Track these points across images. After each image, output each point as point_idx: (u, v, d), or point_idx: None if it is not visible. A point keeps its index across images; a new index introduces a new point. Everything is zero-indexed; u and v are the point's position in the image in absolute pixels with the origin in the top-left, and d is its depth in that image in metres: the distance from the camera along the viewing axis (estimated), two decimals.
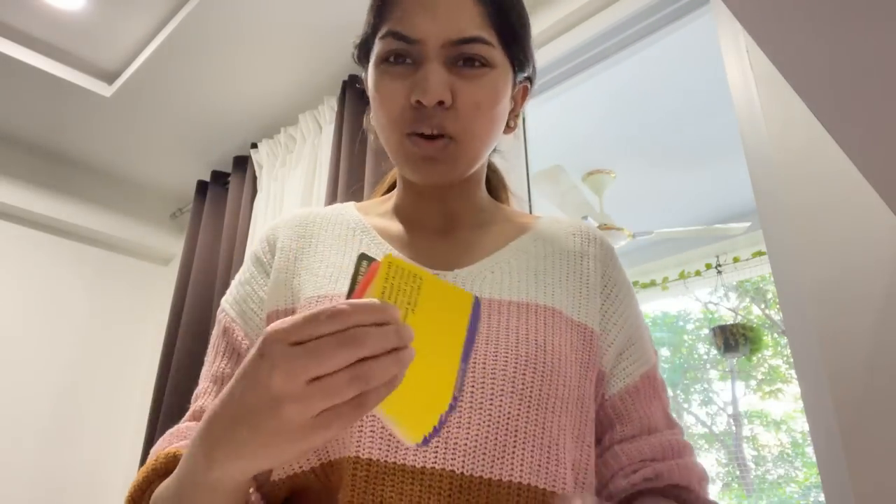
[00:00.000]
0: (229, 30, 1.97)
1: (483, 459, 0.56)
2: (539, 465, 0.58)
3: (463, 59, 0.65)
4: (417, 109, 0.64)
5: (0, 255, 2.51)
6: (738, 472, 4.49)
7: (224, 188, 2.61)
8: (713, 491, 4.50)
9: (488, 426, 0.57)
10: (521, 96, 0.76)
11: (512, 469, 0.57)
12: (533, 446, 0.58)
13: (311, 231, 0.76)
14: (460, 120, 0.65)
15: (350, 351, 0.39)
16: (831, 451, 1.00)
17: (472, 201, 0.76)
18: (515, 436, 0.58)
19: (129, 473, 2.49)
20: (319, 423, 0.40)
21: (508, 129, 0.75)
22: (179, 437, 0.65)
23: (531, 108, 1.84)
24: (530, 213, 1.00)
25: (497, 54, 0.67)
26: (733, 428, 4.75)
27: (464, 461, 0.56)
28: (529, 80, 0.76)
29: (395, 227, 0.75)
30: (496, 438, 0.57)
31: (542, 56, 1.72)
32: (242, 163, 2.54)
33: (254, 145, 2.46)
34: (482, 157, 0.71)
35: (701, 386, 5.04)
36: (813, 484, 4.15)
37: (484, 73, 0.66)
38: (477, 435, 0.57)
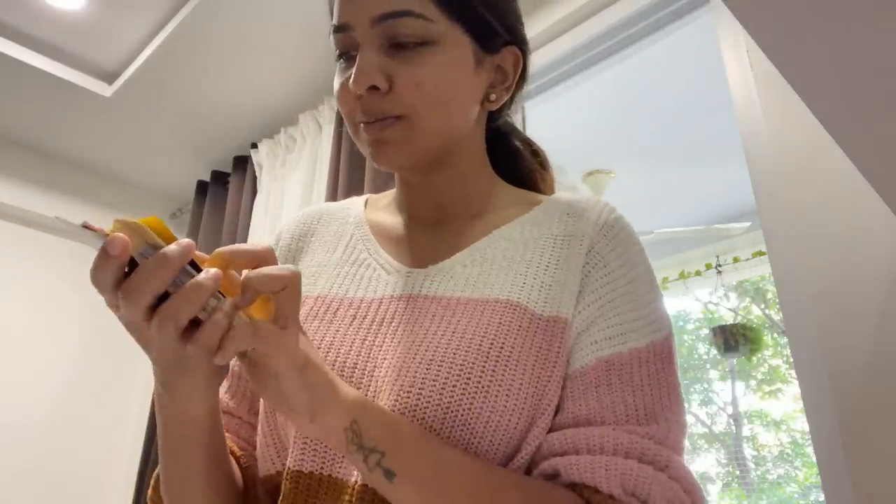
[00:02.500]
0: (229, 30, 1.97)
1: None
2: None
3: (396, 39, 0.61)
4: (360, 99, 0.63)
5: (0, 256, 2.51)
6: (738, 472, 4.49)
7: (224, 188, 2.61)
8: (713, 491, 4.50)
9: None
10: (511, 65, 0.69)
11: None
12: None
13: (313, 229, 0.77)
14: (402, 101, 0.61)
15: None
16: (831, 451, 0.99)
17: (463, 189, 0.71)
18: None
19: (129, 473, 2.48)
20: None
21: (490, 103, 0.69)
22: None
23: (531, 108, 1.84)
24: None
25: (437, 27, 0.62)
26: (733, 428, 4.75)
27: None
28: (514, 44, 0.69)
29: (393, 220, 0.74)
30: None
31: (542, 56, 1.72)
32: (242, 163, 2.53)
33: (254, 145, 2.46)
34: (443, 137, 0.65)
35: (701, 386, 5.04)
36: (813, 484, 4.15)
37: (422, 52, 0.61)
38: None
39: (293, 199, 2.18)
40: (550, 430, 0.59)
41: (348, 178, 1.92)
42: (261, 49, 2.05)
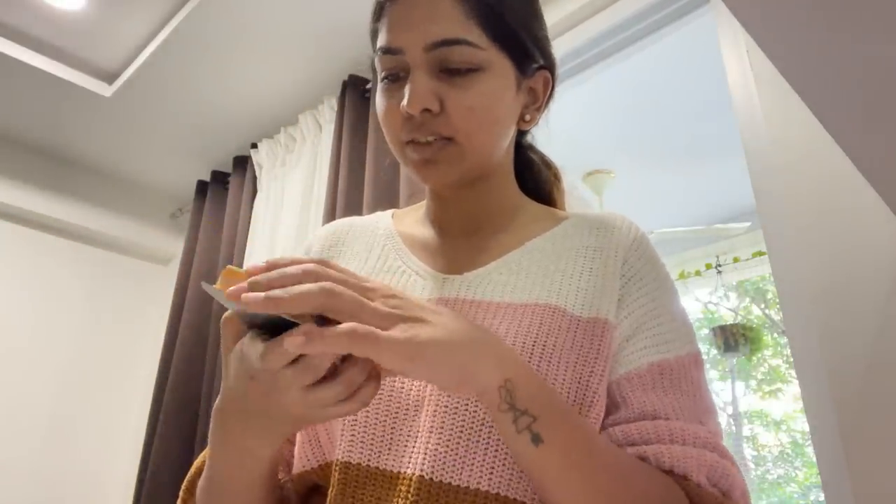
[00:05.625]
0: (229, 30, 1.97)
1: (452, 465, 0.56)
2: (505, 475, 0.56)
3: (448, 66, 0.64)
4: (410, 120, 0.65)
5: (0, 255, 2.51)
6: None
7: (224, 188, 2.61)
8: None
9: (460, 432, 0.57)
10: (542, 87, 0.74)
11: (480, 477, 0.56)
12: (504, 455, 0.57)
13: (343, 240, 0.78)
14: (453, 124, 0.64)
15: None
16: (831, 451, 0.99)
17: (494, 203, 0.74)
18: (487, 443, 0.57)
19: (129, 473, 2.48)
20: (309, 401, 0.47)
21: (525, 123, 0.73)
22: None
23: None
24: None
25: (486, 55, 0.65)
26: (733, 428, 4.74)
27: (433, 466, 0.56)
28: (546, 68, 0.74)
29: (423, 231, 0.76)
30: (466, 445, 0.57)
31: None
32: (242, 163, 2.53)
33: (254, 145, 2.46)
34: (487, 157, 0.69)
35: None
36: (813, 484, 4.15)
37: (472, 78, 0.64)
38: (448, 440, 0.57)
39: (293, 199, 2.18)
40: (618, 424, 0.61)
41: (348, 177, 1.92)
42: (261, 49, 2.05)
